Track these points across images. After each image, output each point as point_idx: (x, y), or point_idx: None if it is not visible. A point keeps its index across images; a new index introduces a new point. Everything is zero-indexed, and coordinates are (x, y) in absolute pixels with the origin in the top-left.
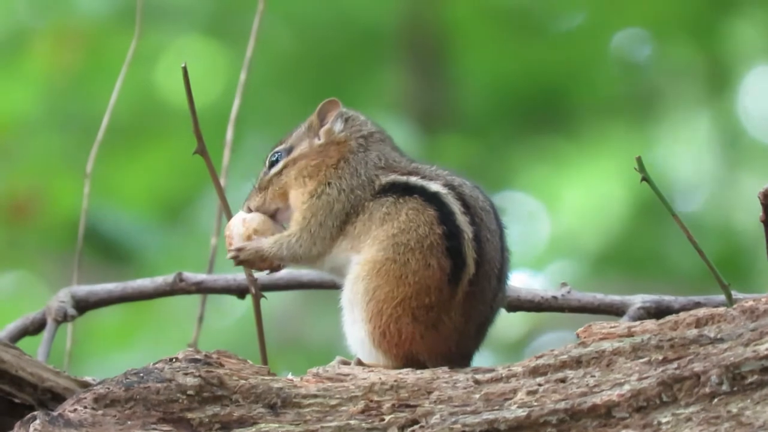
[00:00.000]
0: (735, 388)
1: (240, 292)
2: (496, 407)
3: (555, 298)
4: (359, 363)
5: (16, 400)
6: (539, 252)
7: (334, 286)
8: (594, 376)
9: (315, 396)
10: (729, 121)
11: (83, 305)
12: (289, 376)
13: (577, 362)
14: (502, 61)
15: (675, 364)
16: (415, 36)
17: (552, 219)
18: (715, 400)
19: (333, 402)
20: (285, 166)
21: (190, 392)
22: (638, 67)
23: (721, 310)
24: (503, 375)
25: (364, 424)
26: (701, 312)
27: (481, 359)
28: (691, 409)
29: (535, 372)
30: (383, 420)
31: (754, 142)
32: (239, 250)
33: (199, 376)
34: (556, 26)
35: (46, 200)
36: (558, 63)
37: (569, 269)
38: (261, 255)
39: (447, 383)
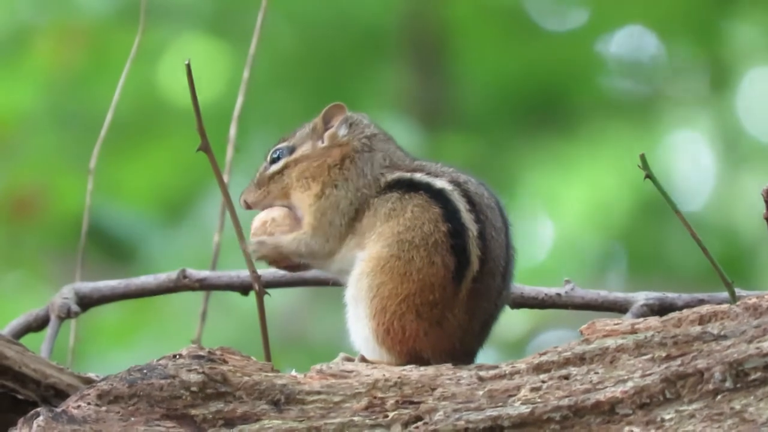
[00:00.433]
0: (738, 385)
1: (243, 288)
2: (500, 404)
3: (559, 295)
4: (363, 360)
5: (20, 397)
6: (542, 250)
7: (337, 283)
8: (597, 373)
9: (318, 393)
10: (730, 120)
11: (87, 302)
12: (293, 373)
13: (581, 359)
14: (504, 60)
15: (678, 361)
16: (416, 34)
17: (554, 217)
18: (719, 397)
19: (336, 399)
20: (286, 166)
21: (193, 389)
22: (639, 66)
23: (725, 307)
24: (507, 372)
25: (367, 421)
26: (704, 309)
27: (484, 356)
28: (695, 405)
29: (538, 369)
30: (387, 416)
31: (754, 141)
32: (260, 243)
33: (203, 372)
34: (557, 25)
35: (49, 197)
36: (559, 61)
37: (572, 266)
38: (280, 251)
39: (450, 380)
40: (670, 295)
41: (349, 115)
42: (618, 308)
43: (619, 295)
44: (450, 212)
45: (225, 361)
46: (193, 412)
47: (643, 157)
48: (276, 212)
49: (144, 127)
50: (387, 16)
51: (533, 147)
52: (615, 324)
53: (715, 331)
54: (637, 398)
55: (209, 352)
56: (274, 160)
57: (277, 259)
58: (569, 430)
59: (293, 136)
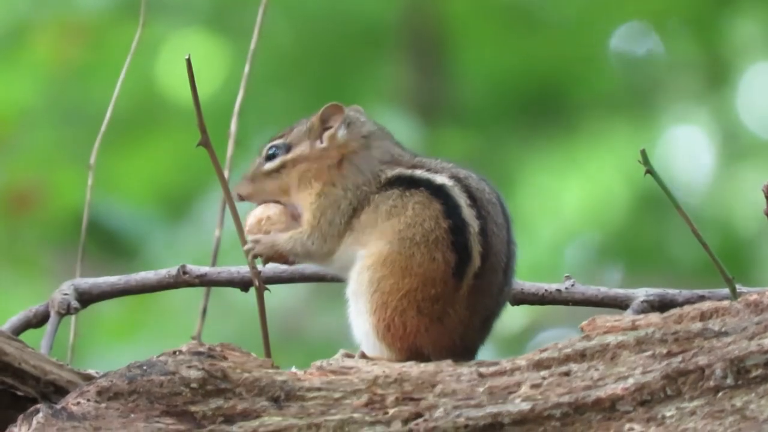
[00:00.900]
0: (739, 382)
1: (243, 284)
2: (500, 401)
3: (559, 291)
4: (363, 356)
5: (19, 393)
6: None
7: (337, 279)
8: (598, 370)
9: (319, 389)
10: (728, 116)
11: (86, 298)
12: (293, 369)
13: (581, 356)
14: (502, 55)
15: (679, 358)
16: (415, 30)
17: (553, 212)
18: (720, 393)
19: (337, 395)
20: (283, 165)
21: (193, 385)
22: (638, 61)
23: (726, 303)
24: (507, 368)
25: (367, 417)
26: (705, 305)
27: (484, 353)
28: (696, 402)
29: (539, 365)
30: (387, 413)
31: (753, 136)
32: (255, 241)
33: (203, 368)
34: (556, 20)
35: (48, 193)
36: (558, 57)
37: (572, 262)
38: (276, 249)
39: (451, 376)
40: (671, 292)
41: (347, 114)
42: (618, 304)
43: (619, 291)
44: (451, 208)
45: (225, 358)
46: (192, 408)
47: (643, 153)
48: (272, 210)
49: (144, 122)
50: (386, 12)
51: (532, 142)
52: (616, 320)
53: (716, 328)
54: (638, 395)
55: (209, 348)
56: (269, 157)
57: (273, 257)
58: (570, 427)
59: (289, 133)
